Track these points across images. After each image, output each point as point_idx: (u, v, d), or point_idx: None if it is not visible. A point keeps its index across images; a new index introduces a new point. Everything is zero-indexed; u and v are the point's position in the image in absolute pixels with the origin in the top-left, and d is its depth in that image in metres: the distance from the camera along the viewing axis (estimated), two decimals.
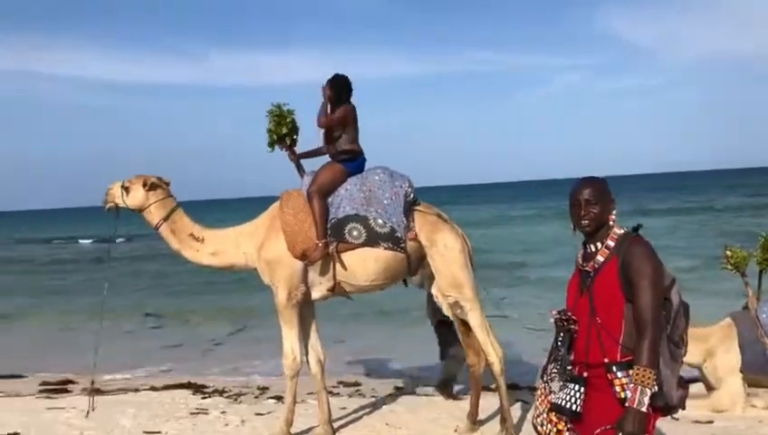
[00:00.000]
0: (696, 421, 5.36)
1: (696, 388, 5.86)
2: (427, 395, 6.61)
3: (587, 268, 2.59)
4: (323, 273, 5.09)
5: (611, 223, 2.60)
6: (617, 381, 2.47)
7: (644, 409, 2.36)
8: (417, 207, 5.25)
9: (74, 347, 9.82)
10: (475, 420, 5.35)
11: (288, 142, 5.21)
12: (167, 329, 12.35)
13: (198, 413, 6.11)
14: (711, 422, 5.34)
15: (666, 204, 43.17)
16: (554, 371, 2.63)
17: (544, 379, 2.69)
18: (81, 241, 40.41)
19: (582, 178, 2.67)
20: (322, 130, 5.25)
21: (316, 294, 5.18)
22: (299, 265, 5.02)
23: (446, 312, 5.30)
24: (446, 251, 5.14)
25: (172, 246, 5.40)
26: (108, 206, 5.39)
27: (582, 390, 2.54)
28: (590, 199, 2.57)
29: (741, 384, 5.60)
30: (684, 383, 2.55)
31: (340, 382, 7.35)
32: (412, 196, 5.22)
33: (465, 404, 5.64)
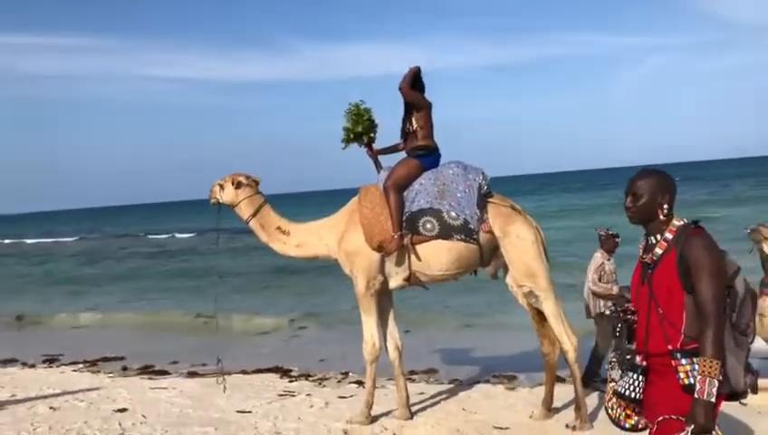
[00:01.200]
0: (760, 413, 5.25)
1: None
2: (502, 384, 6.75)
3: (647, 260, 2.67)
4: (399, 263, 5.33)
5: (662, 216, 2.63)
6: (681, 368, 2.52)
7: (713, 399, 2.42)
8: (491, 200, 5.38)
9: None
10: (549, 408, 5.45)
11: (366, 140, 5.47)
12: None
13: (286, 395, 6.53)
14: None
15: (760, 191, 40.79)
16: (614, 359, 2.74)
17: (610, 366, 2.80)
18: (176, 235, 42.21)
19: (640, 170, 2.73)
20: (401, 131, 5.51)
21: (393, 283, 5.44)
22: (376, 256, 5.28)
23: (521, 301, 5.43)
24: (519, 242, 5.26)
25: (261, 238, 5.80)
26: (212, 201, 5.87)
27: (642, 378, 2.63)
28: (637, 192, 2.64)
29: None
30: (752, 369, 2.58)
31: (412, 371, 7.56)
32: (486, 188, 5.36)
33: (541, 392, 5.76)
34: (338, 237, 5.48)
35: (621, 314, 2.71)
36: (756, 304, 2.64)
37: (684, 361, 2.52)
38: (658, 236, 2.65)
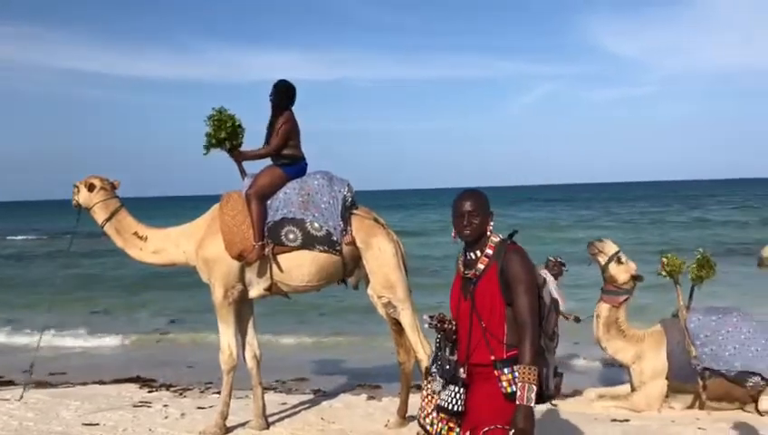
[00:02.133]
0: (614, 420, 5.66)
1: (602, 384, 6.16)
2: (365, 393, 6.84)
3: (468, 275, 2.78)
4: (260, 273, 5.29)
5: (489, 232, 2.79)
6: (503, 377, 2.66)
7: (532, 404, 2.58)
8: (356, 211, 5.47)
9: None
10: (404, 416, 5.58)
11: (228, 146, 5.40)
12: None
13: (141, 406, 6.28)
14: (627, 421, 5.64)
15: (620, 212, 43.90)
16: (434, 371, 2.83)
17: (428, 380, 2.88)
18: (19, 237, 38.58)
19: (465, 191, 2.84)
20: (265, 138, 5.49)
21: (253, 293, 5.39)
22: (236, 264, 5.22)
23: (381, 311, 5.55)
24: (380, 254, 5.38)
25: (117, 243, 5.60)
26: (73, 204, 5.64)
27: (462, 391, 2.75)
28: (472, 211, 2.75)
29: (662, 389, 5.90)
30: (558, 372, 2.80)
31: (278, 380, 7.53)
32: (351, 200, 5.43)
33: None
34: (196, 244, 5.37)
35: (439, 325, 2.80)
36: (559, 312, 2.86)
37: (506, 370, 2.66)
38: (479, 253, 2.77)
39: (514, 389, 2.62)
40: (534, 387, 2.59)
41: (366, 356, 8.87)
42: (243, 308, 5.49)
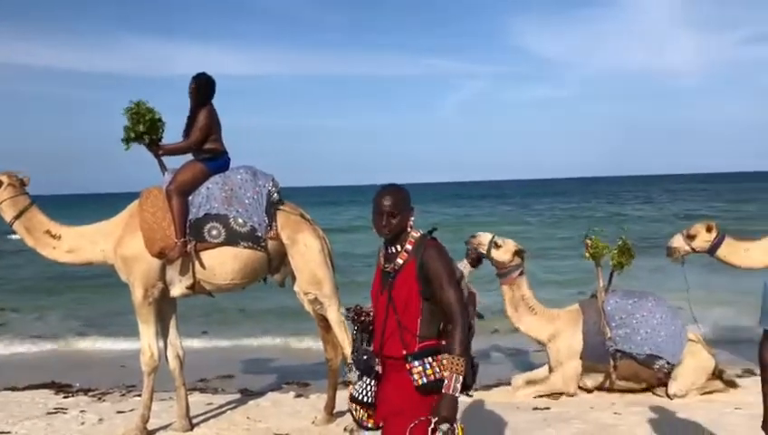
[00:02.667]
0: (535, 408, 5.84)
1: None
2: (293, 391, 6.78)
3: (388, 269, 2.80)
4: (183, 271, 5.15)
5: (409, 229, 2.81)
6: (414, 370, 2.69)
7: (457, 394, 2.62)
8: (281, 207, 5.40)
9: None
10: (331, 412, 5.58)
11: (147, 140, 5.22)
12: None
13: (56, 413, 6.01)
14: (548, 408, 5.83)
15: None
16: (351, 361, 2.89)
17: (347, 370, 2.92)
18: None
19: (383, 188, 2.82)
20: (184, 131, 5.34)
21: (175, 291, 5.24)
22: (156, 262, 5.06)
23: (308, 308, 5.51)
24: (306, 250, 5.34)
25: (28, 243, 5.34)
26: None
27: (374, 383, 2.80)
28: (390, 210, 2.74)
29: (577, 368, 6.13)
30: (474, 364, 2.84)
31: (202, 379, 7.39)
32: (276, 195, 5.36)
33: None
34: (115, 242, 5.18)
35: (356, 317, 2.85)
36: (476, 304, 2.91)
37: (416, 363, 2.70)
38: (399, 247, 2.79)
39: (425, 381, 2.67)
40: (461, 378, 2.63)
41: (293, 354, 8.82)
42: (164, 307, 5.34)
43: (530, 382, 6.37)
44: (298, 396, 6.51)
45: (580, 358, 6.09)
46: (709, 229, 6.54)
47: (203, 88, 5.25)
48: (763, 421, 2.85)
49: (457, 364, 2.62)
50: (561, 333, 6.16)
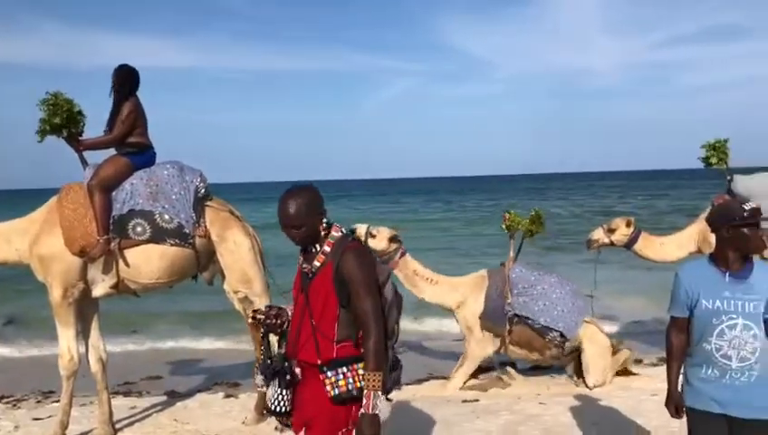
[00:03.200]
0: (465, 401, 5.95)
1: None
2: (222, 392, 6.64)
3: (305, 270, 2.67)
4: (105, 270, 4.95)
5: (329, 229, 2.65)
6: (327, 381, 2.56)
7: (377, 412, 2.52)
8: (209, 203, 5.28)
9: None
10: (262, 412, 5.49)
11: (66, 133, 4.99)
12: None
13: None
14: (477, 401, 5.95)
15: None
16: (257, 366, 2.75)
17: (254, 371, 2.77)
18: None
19: (286, 195, 2.61)
20: (107, 124, 5.14)
21: (98, 291, 5.03)
22: (77, 261, 4.84)
23: (237, 307, 5.42)
24: (235, 248, 5.24)
25: None
26: None
27: (286, 390, 2.67)
28: (294, 224, 2.59)
29: (487, 334, 6.31)
30: (398, 365, 2.76)
31: (126, 382, 7.16)
32: (204, 191, 5.23)
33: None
34: (31, 241, 4.91)
35: (262, 319, 2.72)
36: (401, 308, 2.79)
37: (330, 373, 2.57)
38: (318, 247, 2.65)
39: (337, 392, 2.56)
40: (380, 394, 2.54)
41: (223, 355, 8.64)
42: (85, 308, 5.11)
43: (457, 372, 6.48)
44: (227, 397, 6.38)
45: (480, 318, 6.28)
46: (628, 224, 6.87)
47: (125, 79, 5.07)
48: (667, 399, 3.06)
49: (373, 380, 2.50)
50: (467, 299, 6.37)
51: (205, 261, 5.27)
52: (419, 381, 6.61)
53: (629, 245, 6.87)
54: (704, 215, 6.74)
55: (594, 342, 6.33)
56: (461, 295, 6.40)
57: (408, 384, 6.53)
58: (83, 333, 5.15)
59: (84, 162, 5.13)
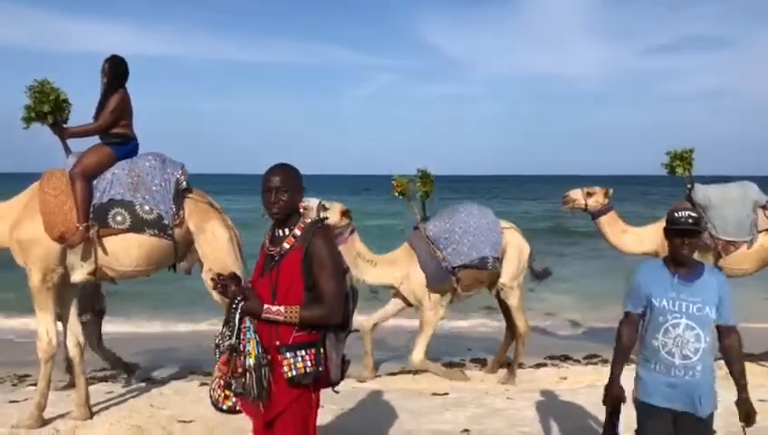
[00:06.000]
0: (434, 393, 6.12)
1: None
2: (197, 380, 6.74)
3: (272, 252, 2.69)
4: (84, 257, 5.04)
5: (301, 211, 2.74)
6: (285, 362, 2.57)
7: (260, 312, 2.55)
8: (190, 195, 5.38)
9: None
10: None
11: (51, 120, 5.06)
12: None
13: None
14: (446, 394, 6.13)
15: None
16: (224, 337, 2.67)
17: (217, 344, 2.71)
18: None
19: (274, 165, 2.72)
20: (95, 112, 5.22)
21: (76, 277, 5.13)
22: (56, 247, 4.93)
23: (215, 297, 5.51)
24: (213, 239, 5.34)
25: None
26: None
27: (261, 374, 2.58)
28: (280, 187, 2.65)
29: (435, 296, 6.52)
30: (345, 360, 2.78)
31: (104, 368, 7.20)
32: (184, 183, 5.32)
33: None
34: (11, 225, 4.99)
35: (223, 285, 2.70)
36: (356, 303, 2.84)
37: (288, 354, 2.59)
38: (287, 231, 2.69)
39: (294, 374, 2.58)
40: (280, 319, 2.55)
41: (198, 344, 8.71)
42: (64, 293, 5.20)
43: (417, 341, 6.62)
44: (203, 384, 6.47)
45: (426, 286, 6.45)
46: (605, 194, 7.07)
47: (115, 69, 5.16)
48: (606, 388, 3.25)
49: (292, 313, 2.55)
50: (408, 274, 6.52)
51: (183, 251, 5.37)
52: (392, 374, 6.76)
53: (598, 214, 7.05)
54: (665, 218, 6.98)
55: (515, 246, 6.67)
56: (400, 271, 6.54)
57: (377, 377, 6.70)
58: (62, 318, 5.23)
59: (68, 150, 5.20)
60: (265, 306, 2.60)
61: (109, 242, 5.04)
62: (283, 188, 2.67)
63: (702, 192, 6.82)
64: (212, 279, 2.78)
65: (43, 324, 5.02)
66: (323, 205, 6.24)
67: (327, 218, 2.91)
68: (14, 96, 5.06)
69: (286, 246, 2.68)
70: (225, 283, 2.71)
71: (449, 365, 7.42)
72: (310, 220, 2.75)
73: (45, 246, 4.91)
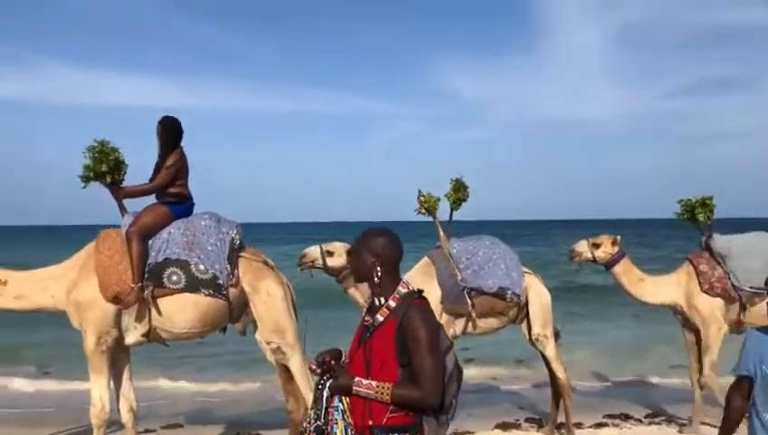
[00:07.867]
0: None
1: None
2: None
3: (367, 323, 2.54)
4: (138, 318, 4.94)
5: (376, 279, 2.54)
6: None
7: (351, 386, 2.39)
8: (243, 254, 5.28)
9: None
10: None
11: (109, 180, 5.05)
12: None
13: None
14: None
15: None
16: (307, 420, 2.55)
17: (305, 426, 2.56)
18: None
19: (366, 230, 2.65)
20: (153, 172, 5.21)
21: (130, 339, 5.01)
22: (111, 308, 4.84)
23: (270, 358, 5.34)
24: (268, 298, 5.21)
25: None
26: None
27: None
28: (353, 250, 2.63)
29: (445, 318, 6.08)
30: None
31: (147, 430, 7.01)
32: (239, 242, 5.24)
33: None
34: (68, 287, 4.91)
35: (322, 370, 2.55)
36: (461, 384, 2.60)
37: None
38: (383, 300, 2.53)
39: None
40: (372, 395, 2.37)
41: (246, 402, 8.49)
42: (118, 356, 5.08)
43: None
44: None
45: (441, 303, 6.07)
46: (614, 243, 6.67)
47: (168, 131, 5.16)
48: None
49: (382, 390, 2.37)
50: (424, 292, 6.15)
51: (237, 312, 5.24)
52: None
53: (610, 265, 6.64)
54: (684, 269, 6.62)
55: (538, 294, 6.34)
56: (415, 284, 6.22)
57: None
58: (115, 382, 5.10)
59: (123, 209, 5.17)
60: (356, 379, 2.43)
61: (163, 303, 4.93)
62: (355, 251, 2.61)
63: (721, 241, 6.50)
64: (314, 368, 2.58)
65: (96, 389, 4.89)
66: (327, 250, 6.01)
67: (423, 291, 2.63)
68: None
69: (380, 317, 2.50)
70: (321, 359, 2.55)
71: (503, 426, 7.08)
72: (407, 290, 2.55)
73: (101, 308, 4.82)
